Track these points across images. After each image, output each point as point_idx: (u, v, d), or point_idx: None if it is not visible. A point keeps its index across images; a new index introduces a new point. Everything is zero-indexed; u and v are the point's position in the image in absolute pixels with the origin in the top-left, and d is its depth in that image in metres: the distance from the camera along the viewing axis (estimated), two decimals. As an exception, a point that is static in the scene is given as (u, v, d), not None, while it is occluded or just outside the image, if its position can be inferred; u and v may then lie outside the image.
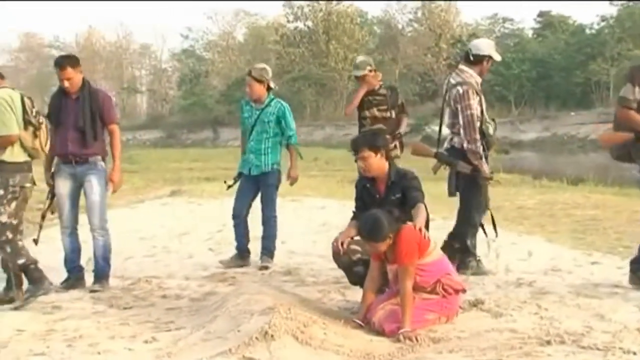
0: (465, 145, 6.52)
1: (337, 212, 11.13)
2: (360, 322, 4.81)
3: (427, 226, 5.12)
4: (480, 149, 6.50)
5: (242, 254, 7.36)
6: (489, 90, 55.62)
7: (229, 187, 7.62)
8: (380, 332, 4.68)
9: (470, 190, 6.62)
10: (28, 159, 5.83)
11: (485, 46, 6.78)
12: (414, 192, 5.24)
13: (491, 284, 6.11)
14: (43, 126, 5.89)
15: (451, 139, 6.73)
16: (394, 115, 7.73)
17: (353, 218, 5.40)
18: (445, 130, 6.83)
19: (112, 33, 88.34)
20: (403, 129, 7.88)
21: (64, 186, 6.26)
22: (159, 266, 7.29)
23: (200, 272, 6.92)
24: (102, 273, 6.29)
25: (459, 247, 6.56)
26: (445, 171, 6.69)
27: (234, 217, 7.41)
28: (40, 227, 6.32)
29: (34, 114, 5.80)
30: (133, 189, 18.56)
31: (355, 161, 5.42)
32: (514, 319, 4.91)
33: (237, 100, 61.58)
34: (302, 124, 58.39)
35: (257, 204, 7.44)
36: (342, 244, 5.22)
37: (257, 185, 7.39)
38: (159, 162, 33.16)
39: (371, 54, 62.45)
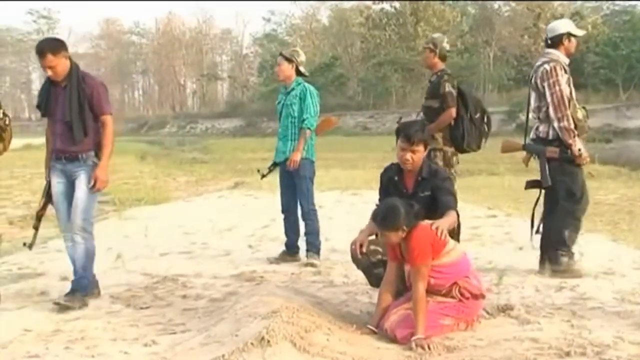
0: (555, 124, 6.41)
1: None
2: (373, 328, 4.78)
3: (454, 233, 5.05)
4: (573, 126, 6.37)
5: (290, 250, 7.48)
6: (593, 73, 54.35)
7: (263, 176, 7.75)
8: (392, 339, 4.64)
9: (562, 179, 6.50)
10: None
11: (560, 25, 6.71)
12: (447, 195, 5.08)
13: (531, 287, 6.00)
14: (8, 128, 5.88)
15: (537, 128, 6.66)
16: (437, 105, 7.11)
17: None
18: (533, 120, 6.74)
19: (192, 18, 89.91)
20: (440, 122, 7.03)
21: (57, 184, 5.94)
22: (191, 264, 7.40)
23: (230, 271, 6.99)
24: (77, 285, 5.80)
25: (555, 241, 6.47)
26: (534, 162, 6.67)
27: (283, 211, 7.56)
28: (36, 229, 6.12)
29: (0, 115, 5.76)
30: (198, 181, 19.05)
31: (400, 149, 5.15)
32: (540, 327, 4.80)
33: (320, 87, 62.31)
34: (388, 112, 58.50)
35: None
36: (360, 245, 5.17)
37: (293, 177, 7.45)
38: (233, 152, 33.62)
39: (463, 36, 61.94)
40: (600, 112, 45.51)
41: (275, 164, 7.58)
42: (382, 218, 4.74)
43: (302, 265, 7.16)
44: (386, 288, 4.94)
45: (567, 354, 4.20)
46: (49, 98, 5.84)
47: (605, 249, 7.45)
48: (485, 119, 7.17)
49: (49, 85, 5.83)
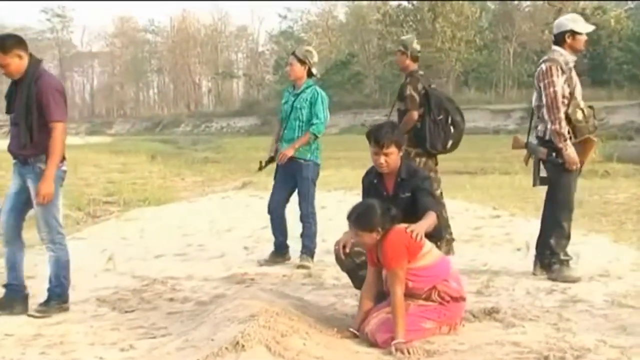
0: (548, 126, 6.40)
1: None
2: (355, 332, 4.80)
3: (434, 235, 5.06)
4: (566, 130, 6.33)
5: (279, 251, 7.51)
6: (616, 69, 54.03)
7: (260, 169, 7.83)
8: (373, 343, 4.65)
9: (556, 183, 6.50)
10: None
11: (564, 21, 6.64)
12: (426, 196, 5.12)
13: (521, 289, 6.00)
14: None
15: (537, 127, 6.66)
16: (403, 107, 7.35)
17: None
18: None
19: (207, 15, 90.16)
20: (402, 126, 7.03)
21: (12, 185, 5.72)
22: (184, 266, 7.44)
23: (221, 273, 7.03)
24: (51, 293, 5.68)
25: (543, 248, 6.51)
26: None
27: (269, 212, 7.55)
28: None
29: None
30: (206, 181, 19.15)
31: (372, 153, 5.24)
32: (524, 330, 4.82)
33: (336, 85, 62.29)
34: (405, 109, 58.24)
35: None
36: (344, 246, 5.19)
37: (293, 178, 7.45)
38: (246, 151, 33.64)
39: (482, 32, 61.77)
40: (624, 108, 45.28)
41: (272, 159, 7.59)
42: (357, 217, 4.77)
43: (294, 267, 7.19)
44: (366, 292, 4.95)
45: (546, 358, 4.21)
46: (10, 97, 5.62)
47: (605, 250, 7.43)
48: (451, 120, 7.24)
49: (14, 83, 5.61)
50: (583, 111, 6.40)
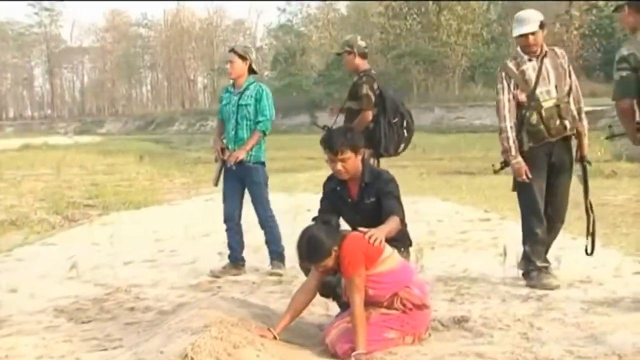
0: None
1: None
2: (274, 333, 4.75)
3: (399, 239, 5.09)
4: (508, 141, 6.41)
5: (235, 262, 7.46)
6: None
7: (217, 180, 7.60)
8: (333, 354, 4.67)
9: (519, 190, 6.59)
10: None
11: (514, 22, 6.64)
12: (390, 199, 5.16)
13: (497, 297, 6.03)
14: None
15: None
16: (356, 107, 7.32)
17: (315, 221, 5.25)
18: None
19: (202, 9, 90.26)
20: (356, 125, 6.97)
21: None
22: (152, 273, 7.49)
23: (189, 280, 7.08)
24: None
25: (522, 255, 6.59)
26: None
27: (225, 221, 7.50)
28: None
29: None
30: (195, 182, 19.14)
31: (327, 161, 5.32)
32: (492, 340, 4.85)
33: (336, 81, 62.18)
34: (409, 106, 57.76)
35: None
36: None
37: (242, 182, 7.44)
38: (241, 151, 33.66)
39: (490, 25, 61.65)
40: (637, 105, 45.16)
41: (224, 164, 7.49)
42: (308, 255, 4.76)
43: (266, 274, 7.20)
44: (299, 295, 4.96)
45: (508, 369, 4.23)
46: None
47: (592, 255, 7.41)
48: (405, 124, 7.26)
49: None
50: (541, 114, 6.36)
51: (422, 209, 11.08)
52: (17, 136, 61.36)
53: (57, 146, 41.14)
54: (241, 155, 7.29)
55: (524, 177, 6.37)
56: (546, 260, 6.50)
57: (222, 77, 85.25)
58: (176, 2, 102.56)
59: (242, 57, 7.38)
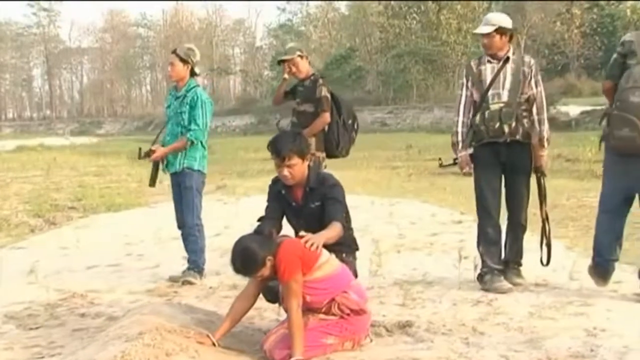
0: None
1: (365, 211, 11.16)
2: (213, 340, 4.74)
3: (344, 244, 5.13)
4: (456, 136, 6.61)
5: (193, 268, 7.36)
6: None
7: (140, 157, 7.56)
8: (270, 360, 4.70)
9: (474, 189, 6.74)
10: None
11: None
12: (333, 204, 5.19)
13: (448, 301, 6.06)
14: None
15: None
16: (312, 109, 7.34)
17: (260, 222, 5.31)
18: None
19: (201, 8, 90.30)
20: (314, 127, 7.23)
21: None
22: (113, 277, 7.51)
23: (149, 285, 7.10)
24: None
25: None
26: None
27: (179, 227, 7.51)
28: None
29: None
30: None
31: (275, 167, 5.34)
32: (432, 345, 4.88)
33: (336, 81, 62.17)
34: (408, 106, 58.28)
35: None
36: None
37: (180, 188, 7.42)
38: (235, 152, 33.71)
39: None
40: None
41: (147, 154, 7.41)
42: (242, 267, 4.74)
43: (220, 279, 7.20)
44: (239, 303, 4.96)
45: (439, 374, 4.26)
46: None
47: (555, 258, 7.41)
48: (356, 126, 7.34)
49: None
50: (484, 115, 6.47)
51: (397, 211, 11.11)
52: (14, 137, 61.43)
53: (52, 147, 41.21)
54: (158, 154, 7.29)
55: (464, 171, 6.61)
56: (499, 262, 6.53)
57: (221, 78, 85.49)
58: (175, 1, 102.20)
59: (184, 60, 7.29)
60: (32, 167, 24.53)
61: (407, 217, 10.59)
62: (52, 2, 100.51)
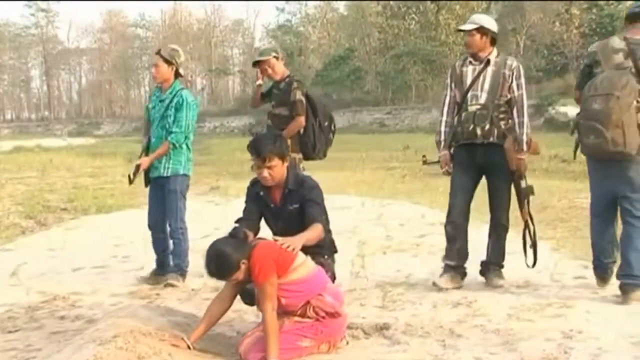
0: None
1: (355, 213, 11.17)
2: (189, 343, 4.74)
3: (323, 246, 5.14)
4: (439, 135, 6.78)
5: (161, 269, 7.43)
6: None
7: (131, 182, 7.54)
8: (245, 363, 4.71)
9: None
10: None
11: None
12: (312, 207, 5.21)
13: (429, 303, 6.07)
14: None
15: None
16: (287, 112, 7.35)
17: (239, 223, 5.32)
18: None
19: (200, 9, 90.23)
20: (289, 130, 7.20)
21: None
22: (97, 279, 7.52)
23: (131, 287, 7.11)
24: None
25: None
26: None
27: (149, 228, 7.51)
28: None
29: None
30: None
31: (252, 167, 5.37)
32: (408, 347, 4.90)
33: (334, 82, 62.16)
34: (407, 107, 58.36)
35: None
36: None
37: (163, 191, 7.40)
38: (232, 153, 33.62)
39: (489, 24, 61.57)
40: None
41: (137, 168, 7.38)
42: (216, 271, 4.76)
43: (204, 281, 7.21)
44: (214, 306, 4.96)
45: (413, 377, 4.28)
46: None
47: (540, 260, 7.43)
48: (333, 127, 7.37)
49: None
50: (461, 116, 6.61)
51: (387, 212, 11.12)
52: (12, 138, 61.45)
53: (49, 149, 41.22)
54: (145, 164, 7.29)
55: (443, 170, 6.77)
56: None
57: (220, 78, 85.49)
58: (173, 2, 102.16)
59: (168, 62, 7.27)
60: (28, 169, 24.51)
61: (396, 219, 10.61)
62: (50, 2, 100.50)
